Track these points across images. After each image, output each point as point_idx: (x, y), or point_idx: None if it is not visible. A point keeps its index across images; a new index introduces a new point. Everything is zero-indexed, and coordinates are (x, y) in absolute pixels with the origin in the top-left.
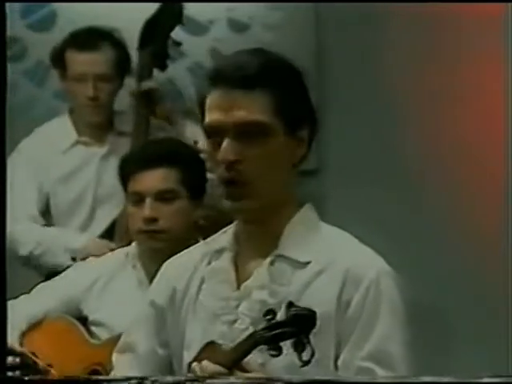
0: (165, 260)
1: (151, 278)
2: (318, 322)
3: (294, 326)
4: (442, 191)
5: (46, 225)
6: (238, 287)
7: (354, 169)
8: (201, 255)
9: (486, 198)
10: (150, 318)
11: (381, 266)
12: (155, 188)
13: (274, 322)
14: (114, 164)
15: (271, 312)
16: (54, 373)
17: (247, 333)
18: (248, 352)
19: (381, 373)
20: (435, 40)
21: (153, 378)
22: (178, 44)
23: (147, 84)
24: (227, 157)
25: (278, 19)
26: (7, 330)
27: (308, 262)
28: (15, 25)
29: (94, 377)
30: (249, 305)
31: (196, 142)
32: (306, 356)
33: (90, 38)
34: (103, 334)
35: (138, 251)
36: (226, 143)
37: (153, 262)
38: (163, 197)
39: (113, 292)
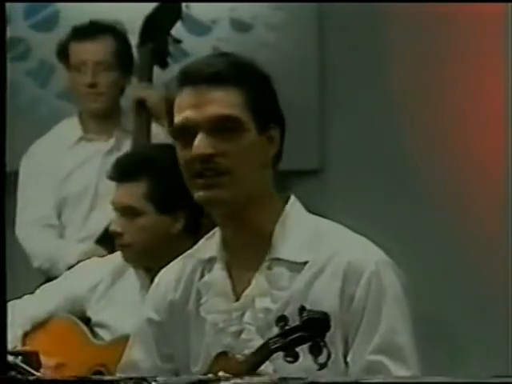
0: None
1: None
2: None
3: (308, 331)
4: (445, 191)
5: (58, 224)
6: (238, 297)
7: (356, 169)
8: (191, 267)
9: (487, 198)
10: (149, 334)
11: (380, 256)
12: (121, 203)
13: (287, 328)
14: None
15: (283, 318)
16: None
17: (254, 343)
18: (263, 360)
19: (391, 365)
20: (436, 40)
21: (154, 378)
22: (177, 41)
23: (142, 89)
24: (202, 151)
25: (281, 19)
26: (7, 330)
27: (306, 262)
28: (18, 25)
29: (95, 377)
30: (252, 314)
31: None
32: (322, 359)
33: (91, 28)
34: (106, 336)
35: None
36: (199, 137)
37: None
38: (129, 213)
39: (116, 294)
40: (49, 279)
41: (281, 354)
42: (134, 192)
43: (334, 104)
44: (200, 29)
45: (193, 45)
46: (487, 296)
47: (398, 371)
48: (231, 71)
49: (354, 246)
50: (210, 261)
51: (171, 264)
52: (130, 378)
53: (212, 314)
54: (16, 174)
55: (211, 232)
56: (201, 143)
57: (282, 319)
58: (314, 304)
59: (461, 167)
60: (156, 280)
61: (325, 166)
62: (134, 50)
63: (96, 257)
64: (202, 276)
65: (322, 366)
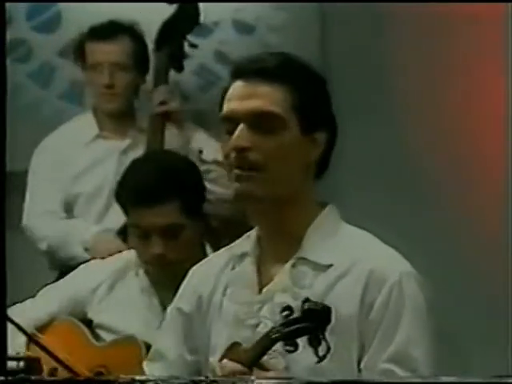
0: (166, 274)
1: (155, 286)
2: (341, 325)
3: (309, 322)
4: (450, 191)
5: (66, 217)
6: (260, 291)
7: (358, 169)
8: (224, 261)
9: (488, 198)
10: (178, 325)
11: (404, 267)
12: (160, 225)
13: (290, 318)
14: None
15: (288, 308)
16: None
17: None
18: (266, 349)
19: (402, 375)
20: (438, 40)
21: (156, 379)
22: (194, 46)
23: (161, 92)
24: (239, 143)
25: (283, 20)
26: (7, 331)
27: (330, 265)
28: (20, 26)
29: (97, 377)
30: (271, 308)
31: (201, 151)
32: (321, 351)
33: (109, 29)
34: (108, 337)
35: (139, 260)
36: (239, 130)
37: (157, 271)
38: (169, 232)
39: (116, 298)
40: (61, 272)
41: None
42: (169, 211)
43: (336, 105)
44: (203, 30)
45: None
46: (487, 296)
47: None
48: (282, 69)
49: (380, 254)
50: (242, 256)
51: (207, 258)
52: (132, 380)
53: (235, 305)
54: (19, 174)
55: (250, 232)
56: (239, 135)
57: (286, 309)
58: (334, 307)
59: (463, 167)
60: (190, 272)
61: (331, 168)
62: (150, 53)
63: (97, 259)
64: (232, 269)
65: (321, 359)
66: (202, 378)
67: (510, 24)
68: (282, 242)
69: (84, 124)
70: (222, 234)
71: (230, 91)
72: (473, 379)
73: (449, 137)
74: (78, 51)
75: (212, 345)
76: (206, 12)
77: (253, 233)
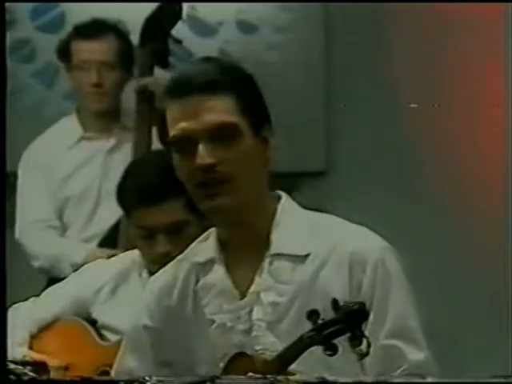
0: None
1: None
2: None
3: (345, 322)
4: (452, 191)
5: (59, 225)
6: (243, 296)
7: (362, 170)
8: (185, 270)
9: (489, 198)
10: (144, 341)
11: (382, 244)
12: (165, 222)
13: (321, 322)
14: (119, 158)
15: (314, 312)
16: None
17: (265, 339)
18: (297, 356)
19: (405, 347)
20: (441, 39)
21: (159, 378)
22: (178, 41)
23: (145, 80)
24: (205, 161)
25: (287, 21)
26: (7, 331)
27: (307, 255)
28: (24, 27)
29: (98, 377)
30: (262, 310)
31: None
32: (365, 348)
33: (94, 27)
34: (113, 337)
35: (143, 261)
36: (201, 147)
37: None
38: (174, 229)
39: (120, 298)
40: (51, 279)
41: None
42: (173, 209)
43: (340, 105)
44: (206, 31)
45: (199, 47)
46: (487, 295)
47: (412, 354)
48: (221, 77)
49: (355, 235)
50: (207, 263)
51: (163, 269)
52: (132, 381)
53: (218, 315)
54: None
55: (203, 235)
56: (203, 153)
57: (313, 313)
58: (322, 295)
59: (464, 167)
60: (148, 286)
61: (331, 168)
62: (135, 50)
63: (101, 259)
64: (197, 279)
65: (363, 356)
66: (207, 377)
67: (510, 24)
68: (249, 242)
69: (68, 126)
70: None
71: (173, 112)
72: (473, 379)
73: (449, 136)
74: (63, 51)
75: (195, 355)
76: (210, 12)
77: (210, 236)
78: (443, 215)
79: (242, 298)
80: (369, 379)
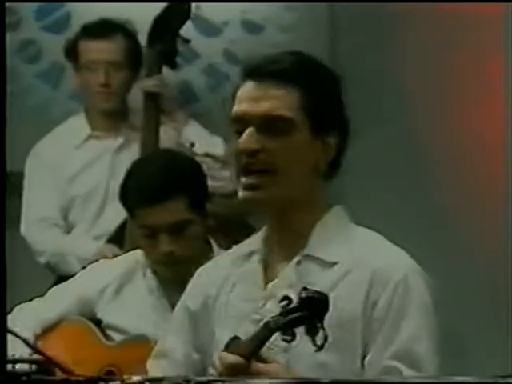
0: (177, 269)
1: (163, 286)
2: (345, 322)
3: (306, 311)
4: (459, 191)
5: (64, 224)
6: (266, 288)
7: (363, 170)
8: (232, 260)
9: (488, 198)
10: (185, 323)
11: (409, 266)
12: (168, 222)
13: (287, 308)
14: (127, 157)
15: (287, 298)
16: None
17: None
18: (265, 340)
19: (407, 372)
20: (447, 40)
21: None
22: (186, 41)
23: (151, 82)
24: (248, 145)
25: (293, 20)
26: (7, 331)
27: (335, 263)
28: (30, 27)
29: (97, 376)
30: (275, 304)
31: (193, 144)
32: (319, 340)
33: (102, 27)
34: (118, 337)
35: (146, 260)
36: (248, 132)
37: (165, 271)
38: (177, 228)
39: (124, 298)
40: (59, 278)
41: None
42: (176, 208)
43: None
44: (211, 30)
45: (204, 46)
46: (487, 295)
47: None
48: (294, 70)
49: (385, 253)
50: (250, 254)
51: (215, 258)
52: (144, 379)
53: (242, 302)
54: None
55: (260, 231)
56: (248, 138)
57: (285, 299)
58: (337, 304)
59: (465, 167)
60: (198, 271)
61: None
62: (143, 50)
63: (105, 258)
64: (240, 267)
65: (319, 348)
66: (211, 378)
67: (510, 24)
68: (289, 241)
69: (76, 125)
70: (220, 231)
71: (241, 92)
72: (473, 379)
73: (450, 135)
74: (71, 50)
75: (215, 341)
76: (216, 12)
77: (261, 232)
78: (443, 215)
79: (264, 290)
80: (369, 379)
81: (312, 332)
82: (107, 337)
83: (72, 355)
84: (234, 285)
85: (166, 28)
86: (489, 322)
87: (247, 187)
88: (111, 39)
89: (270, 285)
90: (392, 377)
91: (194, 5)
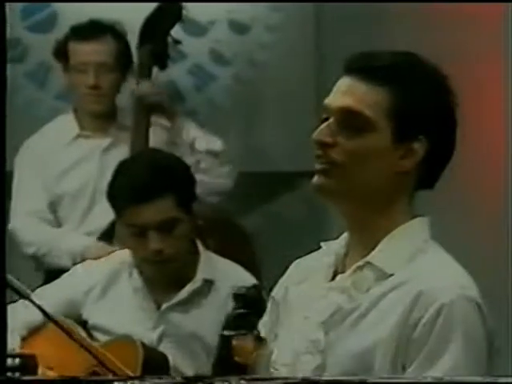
0: (162, 270)
1: (148, 286)
2: (381, 338)
3: (244, 309)
4: (453, 191)
5: (53, 219)
6: (323, 288)
7: None
8: (320, 256)
9: (489, 198)
10: (271, 313)
11: (461, 290)
12: (157, 220)
13: (234, 306)
14: (115, 157)
15: (236, 297)
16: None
17: (317, 331)
18: (222, 345)
19: None
20: (435, 40)
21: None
22: (177, 42)
23: (147, 90)
24: (321, 138)
25: (279, 20)
26: (7, 331)
27: (391, 275)
28: (16, 26)
29: (94, 377)
30: (325, 305)
31: (194, 141)
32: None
33: (91, 29)
34: (103, 338)
35: (133, 260)
36: (326, 123)
37: (152, 270)
38: (166, 227)
39: (110, 299)
40: (47, 272)
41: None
42: (166, 206)
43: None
44: (198, 30)
45: (190, 46)
46: (487, 295)
47: None
48: (391, 70)
49: (438, 274)
50: (332, 252)
51: (309, 255)
52: (128, 378)
53: (299, 298)
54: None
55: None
56: (323, 129)
57: (234, 298)
58: (376, 317)
59: (463, 167)
60: (292, 264)
61: None
62: (134, 51)
63: (95, 257)
64: (319, 264)
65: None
66: (198, 375)
67: (510, 24)
68: (360, 245)
69: (65, 124)
70: (206, 232)
71: (337, 85)
72: (473, 379)
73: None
74: (60, 51)
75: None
76: (202, 11)
77: (345, 234)
78: (443, 215)
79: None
80: (369, 379)
81: (253, 327)
82: (92, 338)
83: (58, 357)
84: (307, 278)
85: (157, 29)
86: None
87: (317, 172)
88: (101, 41)
89: (327, 285)
90: (394, 376)
91: (183, 5)
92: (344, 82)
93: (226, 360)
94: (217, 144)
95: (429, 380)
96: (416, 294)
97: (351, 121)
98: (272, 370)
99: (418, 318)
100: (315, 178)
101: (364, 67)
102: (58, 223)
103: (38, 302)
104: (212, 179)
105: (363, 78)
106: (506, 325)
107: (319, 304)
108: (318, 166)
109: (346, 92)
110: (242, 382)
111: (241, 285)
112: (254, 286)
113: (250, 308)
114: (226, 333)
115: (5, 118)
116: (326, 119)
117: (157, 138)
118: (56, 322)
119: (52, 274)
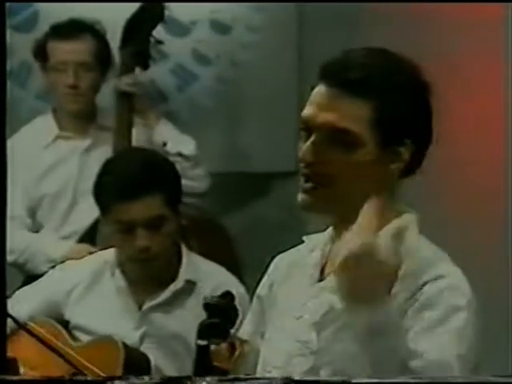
0: (146, 269)
1: (131, 286)
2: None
3: (217, 318)
4: (453, 192)
5: (31, 223)
6: (314, 287)
7: None
8: (301, 253)
9: (489, 198)
10: (255, 311)
11: (448, 277)
12: (145, 216)
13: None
14: (95, 158)
15: (207, 306)
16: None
17: (309, 331)
18: (200, 353)
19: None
20: (433, 40)
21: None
22: (159, 42)
23: (126, 81)
24: (306, 157)
25: (261, 21)
26: (6, 330)
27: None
28: None
29: (79, 377)
30: (314, 305)
31: (165, 144)
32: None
33: (71, 28)
34: (85, 338)
35: (116, 259)
36: (309, 142)
37: (134, 270)
38: (154, 224)
39: (92, 299)
40: (26, 276)
41: None
42: (154, 203)
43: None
44: (180, 30)
45: (173, 46)
46: (487, 295)
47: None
48: (370, 81)
49: (430, 267)
50: (313, 249)
51: (291, 250)
52: (109, 379)
53: (288, 297)
54: None
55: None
56: (308, 147)
57: (205, 306)
58: None
59: (463, 167)
60: (275, 259)
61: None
62: (116, 51)
63: (73, 259)
64: (303, 261)
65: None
66: (177, 376)
67: (510, 24)
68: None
69: (44, 125)
70: (189, 233)
71: (313, 94)
72: (473, 379)
73: (449, 136)
74: (39, 51)
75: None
76: (184, 11)
77: (330, 228)
78: (443, 215)
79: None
80: (370, 379)
81: (226, 337)
82: (74, 338)
83: (39, 357)
84: (292, 275)
85: (140, 29)
86: (489, 322)
87: (303, 191)
88: (80, 40)
89: (318, 285)
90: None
91: (165, 5)
92: (321, 94)
93: (204, 367)
94: (188, 147)
95: (430, 380)
96: (408, 286)
97: (336, 137)
98: (264, 373)
99: (412, 301)
100: (302, 197)
101: (341, 79)
102: (36, 227)
103: (18, 306)
104: (186, 181)
105: (341, 91)
106: (506, 325)
107: (310, 304)
108: (304, 185)
109: (326, 106)
110: (220, 382)
111: (221, 287)
112: (226, 294)
113: (222, 316)
114: (200, 342)
115: (5, 117)
116: (307, 131)
117: (137, 136)
118: (29, 331)
119: (32, 278)
